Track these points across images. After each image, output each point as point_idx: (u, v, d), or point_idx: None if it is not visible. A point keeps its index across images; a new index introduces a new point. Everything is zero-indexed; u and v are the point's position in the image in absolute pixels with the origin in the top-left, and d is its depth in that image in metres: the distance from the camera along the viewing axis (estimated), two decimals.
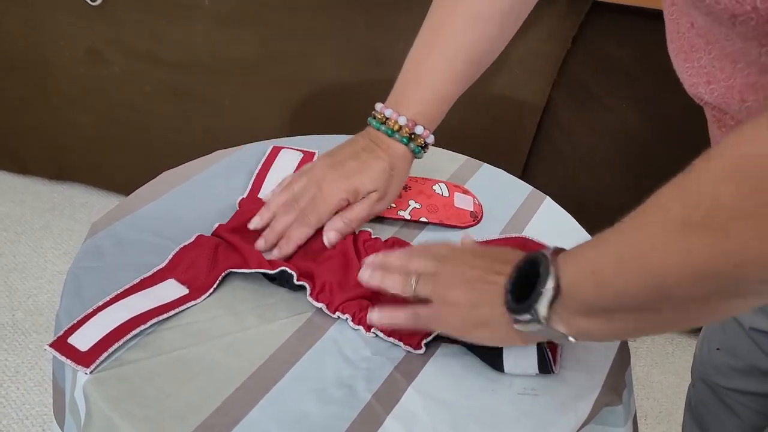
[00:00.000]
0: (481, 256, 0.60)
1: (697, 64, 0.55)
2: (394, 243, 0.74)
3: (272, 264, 0.68)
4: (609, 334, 0.53)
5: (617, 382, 0.63)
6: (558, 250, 0.52)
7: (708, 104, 0.57)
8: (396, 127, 0.74)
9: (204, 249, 0.71)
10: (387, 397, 0.59)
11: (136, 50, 1.67)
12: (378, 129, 0.76)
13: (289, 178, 0.78)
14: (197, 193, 0.82)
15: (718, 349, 0.84)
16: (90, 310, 0.63)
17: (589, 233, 0.81)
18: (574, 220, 0.83)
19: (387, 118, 0.75)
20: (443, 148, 0.95)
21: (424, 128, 0.75)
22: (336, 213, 0.73)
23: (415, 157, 0.78)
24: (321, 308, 0.66)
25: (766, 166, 0.37)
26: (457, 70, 0.75)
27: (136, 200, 0.80)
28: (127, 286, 0.66)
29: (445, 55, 0.75)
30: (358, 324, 0.65)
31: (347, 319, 0.65)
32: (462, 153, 0.94)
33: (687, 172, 0.41)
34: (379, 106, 0.77)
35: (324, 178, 0.74)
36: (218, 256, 0.70)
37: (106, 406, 0.56)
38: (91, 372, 0.58)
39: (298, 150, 0.90)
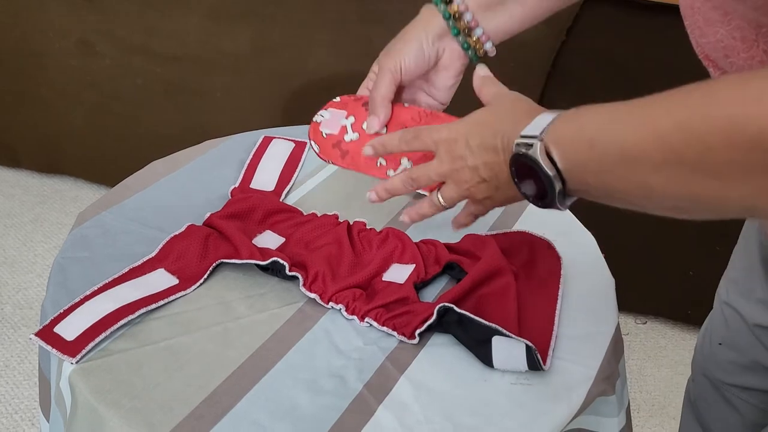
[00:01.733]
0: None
1: (714, 39, 0.53)
2: (389, 233, 0.73)
3: (264, 254, 0.68)
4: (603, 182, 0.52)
5: (610, 372, 0.62)
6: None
7: None
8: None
9: (195, 239, 0.70)
10: (378, 387, 0.58)
11: (128, 43, 1.65)
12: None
13: None
14: (186, 183, 0.81)
15: (720, 344, 0.83)
16: (77, 300, 0.62)
17: (583, 224, 0.80)
18: (568, 210, 0.82)
19: None
20: None
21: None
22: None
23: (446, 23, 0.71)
24: (314, 298, 0.65)
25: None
26: None
27: (124, 190, 0.78)
28: (115, 276, 0.65)
29: None
30: (352, 314, 0.64)
31: (341, 309, 0.65)
32: None
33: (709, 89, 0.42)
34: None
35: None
36: (209, 246, 0.69)
37: (92, 396, 0.55)
38: (77, 362, 0.57)
39: (289, 140, 0.89)
